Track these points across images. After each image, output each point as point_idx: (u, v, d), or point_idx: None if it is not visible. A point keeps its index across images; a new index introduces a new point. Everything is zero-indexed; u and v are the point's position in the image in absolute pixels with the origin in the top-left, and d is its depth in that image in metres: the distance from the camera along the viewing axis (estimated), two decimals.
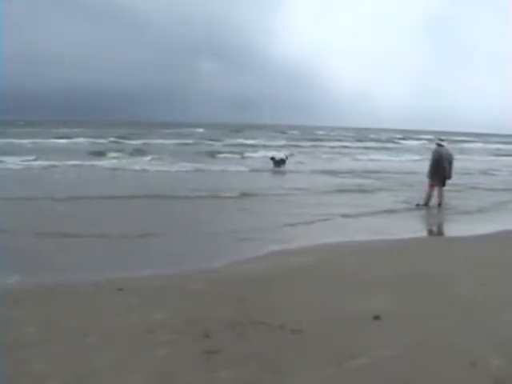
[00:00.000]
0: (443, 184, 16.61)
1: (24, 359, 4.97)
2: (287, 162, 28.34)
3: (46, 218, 13.16)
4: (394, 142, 71.86)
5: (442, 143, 16.93)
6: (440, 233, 13.81)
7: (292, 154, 30.61)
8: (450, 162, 16.60)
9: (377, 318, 6.07)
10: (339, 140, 71.17)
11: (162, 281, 7.66)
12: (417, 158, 39.17)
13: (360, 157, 41.96)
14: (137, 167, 27.23)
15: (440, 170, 16.44)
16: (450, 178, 16.69)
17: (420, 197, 16.87)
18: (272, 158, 28.56)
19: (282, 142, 58.90)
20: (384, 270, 8.45)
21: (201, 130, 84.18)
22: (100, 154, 35.26)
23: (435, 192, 16.54)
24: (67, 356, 5.07)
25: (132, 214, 14.17)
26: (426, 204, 16.39)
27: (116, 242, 10.75)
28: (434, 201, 16.55)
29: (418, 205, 16.43)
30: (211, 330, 5.60)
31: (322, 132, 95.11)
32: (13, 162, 27.37)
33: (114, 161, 31.42)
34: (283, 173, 26.98)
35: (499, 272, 8.42)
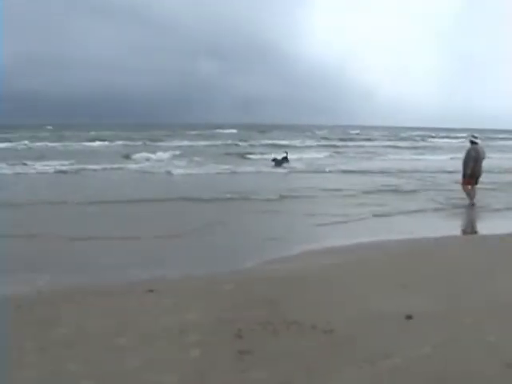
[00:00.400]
0: (476, 182, 16.46)
1: (59, 359, 5.02)
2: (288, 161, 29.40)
3: (79, 220, 13.32)
4: (426, 141, 71.11)
5: (477, 140, 16.70)
6: (474, 231, 13.65)
7: (286, 152, 31.07)
8: (482, 160, 16.45)
9: (409, 317, 6.02)
10: (371, 139, 70.69)
11: (194, 282, 7.70)
12: (450, 156, 38.56)
13: (392, 156, 41.55)
14: (172, 169, 27.29)
15: (476, 167, 16.29)
16: (480, 175, 16.53)
17: (460, 197, 16.77)
18: (274, 160, 29.53)
19: (311, 142, 58.72)
20: (416, 269, 8.38)
21: (234, 130, 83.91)
22: (132, 156, 35.54)
23: (470, 189, 16.38)
24: (101, 356, 5.10)
25: (165, 216, 14.27)
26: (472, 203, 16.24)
27: (148, 243, 10.83)
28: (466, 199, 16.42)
29: (473, 204, 16.24)
30: (243, 331, 5.60)
31: (354, 131, 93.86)
32: (48, 165, 27.75)
33: (148, 163, 31.61)
34: (286, 172, 27.37)
35: None
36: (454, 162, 26.44)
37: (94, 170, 26.65)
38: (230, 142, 56.50)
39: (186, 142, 52.83)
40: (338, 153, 43.99)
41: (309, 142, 58.77)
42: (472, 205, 16.18)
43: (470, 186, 16.42)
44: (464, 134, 65.13)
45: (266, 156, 35.60)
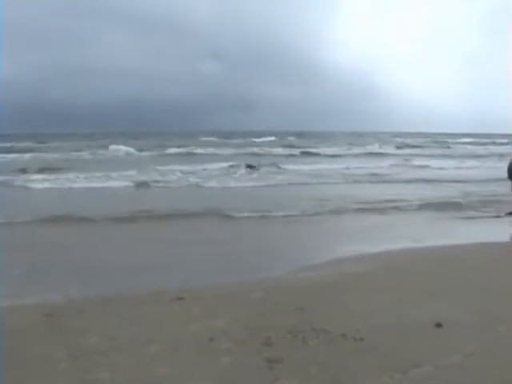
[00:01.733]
0: None
1: (90, 368, 5.05)
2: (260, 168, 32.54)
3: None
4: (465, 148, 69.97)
5: None
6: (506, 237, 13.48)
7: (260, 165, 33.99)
8: None
9: (439, 325, 5.98)
10: (417, 147, 70.03)
11: (223, 289, 7.71)
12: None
13: (445, 163, 40.59)
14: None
15: None
16: None
17: None
18: (248, 165, 32.96)
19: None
20: (446, 277, 8.33)
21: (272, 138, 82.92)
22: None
23: None
24: (132, 364, 5.14)
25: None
26: None
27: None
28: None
29: (510, 213, 15.96)
30: (273, 338, 5.61)
31: (400, 138, 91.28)
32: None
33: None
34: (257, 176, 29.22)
35: None
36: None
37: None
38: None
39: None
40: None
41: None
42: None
43: None
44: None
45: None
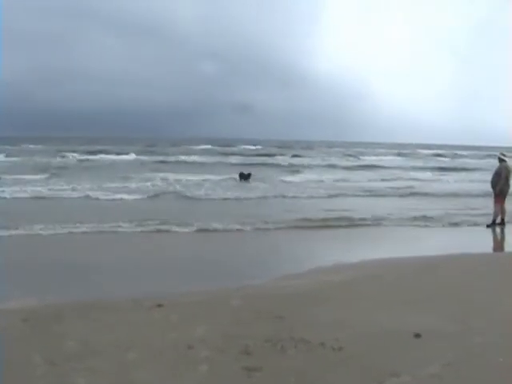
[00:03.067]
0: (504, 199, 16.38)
1: (67, 373, 5.02)
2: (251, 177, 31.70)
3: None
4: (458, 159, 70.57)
5: (505, 158, 16.62)
6: (487, 248, 13.60)
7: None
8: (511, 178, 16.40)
9: (418, 335, 6.00)
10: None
11: (202, 297, 7.68)
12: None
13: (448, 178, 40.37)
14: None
15: (505, 185, 16.23)
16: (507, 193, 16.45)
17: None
18: (241, 174, 32.02)
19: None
20: (425, 287, 8.36)
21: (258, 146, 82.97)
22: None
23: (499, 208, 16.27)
24: (109, 370, 5.11)
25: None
26: (495, 222, 16.13)
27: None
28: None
29: (489, 226, 16.04)
30: (251, 347, 5.59)
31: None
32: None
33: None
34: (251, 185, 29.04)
35: None
36: None
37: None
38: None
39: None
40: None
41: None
42: (500, 222, 16.11)
43: (500, 203, 16.27)
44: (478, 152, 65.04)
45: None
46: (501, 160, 16.50)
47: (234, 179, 31.58)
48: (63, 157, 49.36)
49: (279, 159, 55.58)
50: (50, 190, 23.23)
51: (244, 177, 31.79)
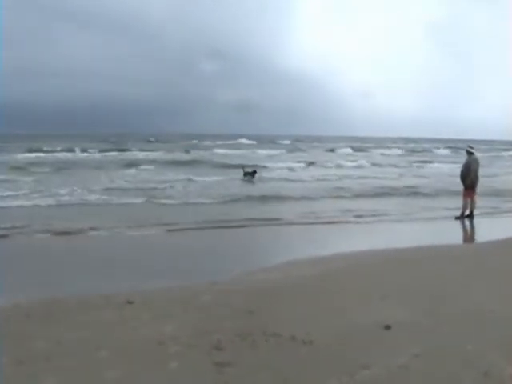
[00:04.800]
0: (475, 191, 16.55)
1: (37, 373, 4.96)
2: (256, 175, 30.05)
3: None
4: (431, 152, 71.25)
5: (473, 151, 16.77)
6: (458, 240, 13.74)
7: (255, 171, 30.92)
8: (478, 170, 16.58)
9: (388, 327, 6.05)
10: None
11: (173, 293, 7.65)
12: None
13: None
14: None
15: (475, 178, 16.40)
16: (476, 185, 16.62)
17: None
18: (246, 172, 30.31)
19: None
20: (396, 280, 8.42)
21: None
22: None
23: (469, 200, 16.45)
24: (79, 369, 5.06)
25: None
26: (463, 214, 16.31)
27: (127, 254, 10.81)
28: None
29: (457, 218, 16.31)
30: (222, 342, 5.59)
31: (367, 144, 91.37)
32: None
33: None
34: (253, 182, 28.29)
35: None
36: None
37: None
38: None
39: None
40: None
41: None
42: (468, 215, 16.28)
43: (469, 196, 16.45)
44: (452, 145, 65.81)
45: None
46: (469, 153, 16.67)
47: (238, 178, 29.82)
48: None
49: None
50: None
51: (249, 174, 30.05)
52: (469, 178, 16.30)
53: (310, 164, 44.49)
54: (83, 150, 54.69)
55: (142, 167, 36.79)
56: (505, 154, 68.42)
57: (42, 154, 49.32)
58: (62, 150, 53.83)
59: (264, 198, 20.62)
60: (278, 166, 40.00)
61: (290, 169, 39.44)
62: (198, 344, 5.59)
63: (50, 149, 54.50)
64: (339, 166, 42.91)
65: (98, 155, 50.39)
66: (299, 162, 45.27)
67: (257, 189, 24.51)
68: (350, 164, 45.52)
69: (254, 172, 30.22)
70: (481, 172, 17.01)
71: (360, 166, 43.59)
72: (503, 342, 5.66)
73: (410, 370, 4.98)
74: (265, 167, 37.57)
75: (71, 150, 53.99)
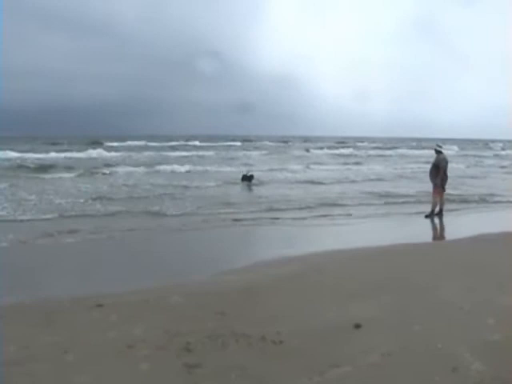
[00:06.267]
0: (444, 189, 16.69)
1: (7, 378, 4.92)
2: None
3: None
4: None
5: (441, 149, 16.88)
6: (428, 237, 13.84)
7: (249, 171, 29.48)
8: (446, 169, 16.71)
9: (358, 326, 6.07)
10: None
11: (142, 295, 7.58)
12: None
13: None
14: None
15: (444, 176, 16.53)
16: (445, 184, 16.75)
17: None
18: (243, 176, 28.27)
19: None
20: (366, 278, 8.44)
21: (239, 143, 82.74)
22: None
23: (438, 199, 16.58)
24: (49, 373, 5.04)
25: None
26: (433, 212, 16.44)
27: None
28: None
29: (440, 212, 16.49)
30: (192, 344, 5.57)
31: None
32: None
33: None
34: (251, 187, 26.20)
35: (481, 275, 8.45)
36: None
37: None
38: None
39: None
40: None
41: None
42: (438, 213, 16.43)
43: (439, 194, 16.57)
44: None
45: None
46: (438, 152, 16.78)
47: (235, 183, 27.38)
48: None
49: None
50: None
51: (247, 179, 27.79)
52: (438, 177, 16.40)
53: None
54: None
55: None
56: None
57: None
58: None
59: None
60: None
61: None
62: (167, 346, 5.57)
63: None
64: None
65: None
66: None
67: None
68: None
69: (252, 176, 28.03)
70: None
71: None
72: (471, 338, 5.73)
73: (381, 368, 5.02)
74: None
75: None
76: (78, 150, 52.08)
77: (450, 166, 17.18)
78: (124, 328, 6.17)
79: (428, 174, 16.94)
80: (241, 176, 28.37)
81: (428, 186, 17.16)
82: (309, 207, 17.76)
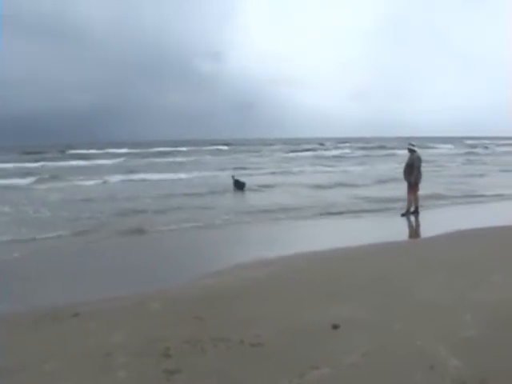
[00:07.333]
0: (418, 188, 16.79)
1: None
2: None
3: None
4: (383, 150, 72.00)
5: (415, 148, 16.98)
6: (404, 236, 13.93)
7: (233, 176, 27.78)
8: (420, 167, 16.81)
9: (336, 326, 6.09)
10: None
11: (120, 302, 7.56)
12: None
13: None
14: None
15: (418, 175, 16.62)
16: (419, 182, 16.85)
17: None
18: (236, 182, 26.24)
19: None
20: (343, 278, 8.46)
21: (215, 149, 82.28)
22: None
23: (413, 197, 16.68)
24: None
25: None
26: (409, 211, 16.54)
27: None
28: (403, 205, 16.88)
29: (415, 211, 16.58)
30: (171, 350, 5.56)
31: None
32: None
33: None
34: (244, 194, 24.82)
35: (458, 272, 8.52)
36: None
37: None
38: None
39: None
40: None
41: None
42: (414, 211, 16.54)
43: (413, 193, 16.67)
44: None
45: None
46: (411, 151, 16.90)
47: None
48: None
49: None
50: None
51: (239, 186, 25.74)
52: (413, 175, 16.52)
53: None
54: None
55: None
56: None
57: None
58: None
59: None
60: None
61: None
62: (146, 352, 5.55)
63: None
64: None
65: None
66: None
67: None
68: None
69: (244, 184, 25.90)
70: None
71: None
72: (448, 335, 5.77)
73: (360, 368, 5.03)
74: None
75: None
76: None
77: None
78: (102, 336, 6.14)
79: (402, 173, 17.07)
80: (232, 182, 26.30)
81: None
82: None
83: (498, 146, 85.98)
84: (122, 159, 55.35)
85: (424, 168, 17.21)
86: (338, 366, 5.07)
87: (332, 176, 31.81)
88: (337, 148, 79.25)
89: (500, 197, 20.51)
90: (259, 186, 26.43)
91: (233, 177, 27.11)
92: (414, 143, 17.38)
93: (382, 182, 27.05)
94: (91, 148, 77.63)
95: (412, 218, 16.13)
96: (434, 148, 76.10)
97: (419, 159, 16.80)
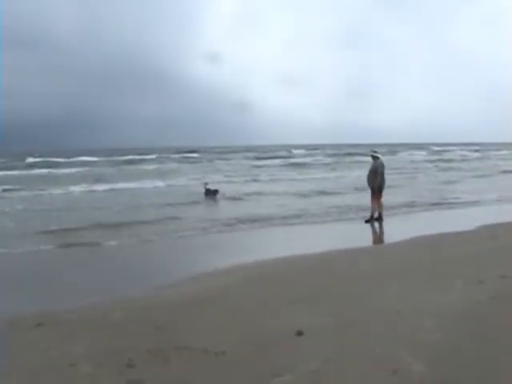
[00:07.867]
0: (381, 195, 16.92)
1: None
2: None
3: None
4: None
5: (378, 155, 17.12)
6: (368, 242, 14.05)
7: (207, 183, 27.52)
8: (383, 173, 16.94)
9: (300, 333, 6.12)
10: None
11: (82, 312, 7.51)
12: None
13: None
14: None
15: (382, 181, 16.74)
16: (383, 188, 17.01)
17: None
18: (207, 190, 26.24)
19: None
20: (306, 285, 8.52)
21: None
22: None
23: (376, 203, 16.83)
24: None
25: None
26: (373, 217, 16.68)
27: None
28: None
29: (367, 221, 16.65)
30: (134, 360, 5.52)
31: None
32: None
33: None
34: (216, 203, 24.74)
35: (417, 277, 8.65)
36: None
37: None
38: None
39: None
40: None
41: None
42: (378, 217, 16.69)
43: (377, 199, 16.80)
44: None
45: None
46: (374, 157, 17.04)
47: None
48: None
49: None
50: None
51: (211, 193, 25.76)
52: (376, 182, 16.65)
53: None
54: None
55: None
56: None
57: None
58: None
59: None
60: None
61: None
62: (109, 363, 5.52)
63: None
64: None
65: None
66: None
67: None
68: None
69: (216, 191, 25.93)
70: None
71: None
72: (410, 340, 5.83)
73: (321, 374, 5.06)
74: None
75: None
76: None
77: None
78: (65, 347, 6.08)
79: (366, 180, 17.22)
80: (204, 191, 26.16)
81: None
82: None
83: (470, 151, 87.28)
84: (88, 168, 54.68)
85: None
86: (299, 373, 5.08)
87: (301, 184, 31.91)
88: (305, 156, 79.28)
89: (472, 203, 20.96)
90: (232, 194, 26.33)
91: (205, 184, 26.82)
92: (376, 150, 17.54)
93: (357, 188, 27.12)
94: (59, 156, 75.98)
95: (375, 224, 16.27)
96: (410, 154, 77.56)
97: (382, 165, 16.95)
